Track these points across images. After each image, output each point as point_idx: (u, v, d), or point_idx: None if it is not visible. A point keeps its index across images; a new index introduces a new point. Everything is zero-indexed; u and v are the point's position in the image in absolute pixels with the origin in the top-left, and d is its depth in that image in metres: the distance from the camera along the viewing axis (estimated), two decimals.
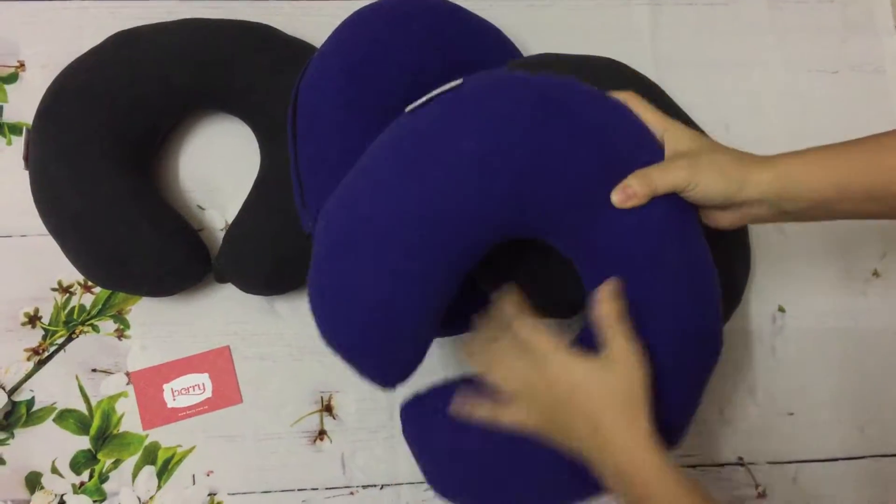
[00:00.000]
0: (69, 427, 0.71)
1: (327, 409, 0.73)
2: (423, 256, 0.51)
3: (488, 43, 0.72)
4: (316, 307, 0.54)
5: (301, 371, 0.73)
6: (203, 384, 0.72)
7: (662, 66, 0.82)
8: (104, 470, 0.71)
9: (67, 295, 0.73)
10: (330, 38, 0.67)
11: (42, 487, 0.70)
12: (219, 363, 0.73)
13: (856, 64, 0.85)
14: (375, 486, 0.72)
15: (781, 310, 0.78)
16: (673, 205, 0.53)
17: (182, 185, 0.76)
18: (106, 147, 0.67)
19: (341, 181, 0.55)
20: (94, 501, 0.70)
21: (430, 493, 0.65)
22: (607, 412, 0.50)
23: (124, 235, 0.66)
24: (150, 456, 0.71)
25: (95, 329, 0.73)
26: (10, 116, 0.76)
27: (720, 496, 0.68)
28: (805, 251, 0.79)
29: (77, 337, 0.73)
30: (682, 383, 0.54)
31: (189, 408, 0.72)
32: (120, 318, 0.73)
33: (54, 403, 0.71)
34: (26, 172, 0.68)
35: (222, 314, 0.74)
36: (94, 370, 0.72)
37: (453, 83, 0.54)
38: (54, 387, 0.72)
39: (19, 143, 0.75)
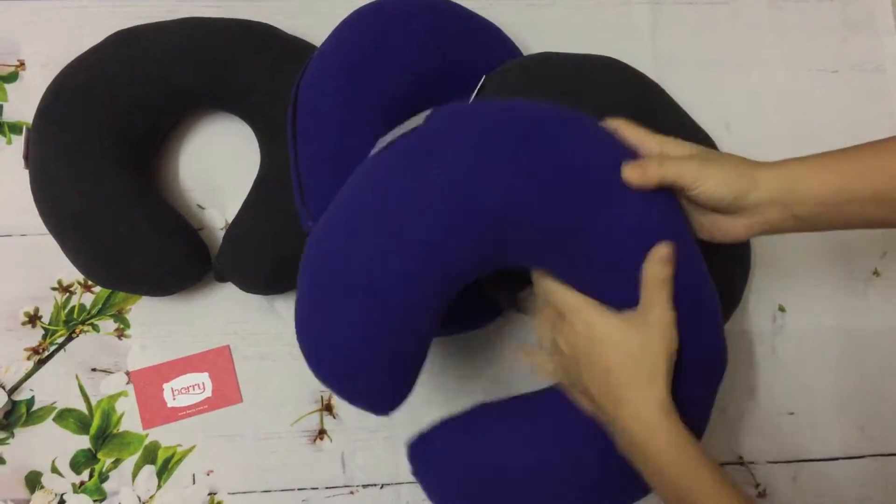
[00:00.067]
0: (69, 426, 0.71)
1: (327, 408, 0.73)
2: (396, 295, 0.50)
3: (488, 42, 0.72)
4: (301, 346, 0.55)
5: (301, 370, 0.72)
6: (203, 383, 0.72)
7: (662, 66, 0.82)
8: (104, 469, 0.71)
9: (67, 294, 0.73)
10: (330, 36, 0.67)
11: (42, 487, 0.70)
12: (219, 362, 0.73)
13: (856, 63, 0.85)
14: (375, 485, 0.72)
15: (781, 309, 0.78)
16: (672, 208, 0.53)
17: (182, 185, 0.76)
18: (106, 146, 0.67)
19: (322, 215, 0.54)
20: (94, 501, 0.70)
21: None
22: (623, 371, 0.49)
23: (124, 235, 0.66)
24: (150, 455, 0.71)
25: (95, 328, 0.73)
26: (10, 115, 0.76)
27: None
28: (805, 251, 0.79)
29: (77, 336, 0.73)
30: (689, 397, 0.52)
31: (189, 407, 0.72)
32: (120, 317, 0.73)
33: (54, 403, 0.71)
34: (26, 172, 0.68)
35: (222, 314, 0.74)
36: (94, 369, 0.72)
37: (419, 118, 0.53)
38: (54, 386, 0.72)
39: (19, 142, 0.74)
